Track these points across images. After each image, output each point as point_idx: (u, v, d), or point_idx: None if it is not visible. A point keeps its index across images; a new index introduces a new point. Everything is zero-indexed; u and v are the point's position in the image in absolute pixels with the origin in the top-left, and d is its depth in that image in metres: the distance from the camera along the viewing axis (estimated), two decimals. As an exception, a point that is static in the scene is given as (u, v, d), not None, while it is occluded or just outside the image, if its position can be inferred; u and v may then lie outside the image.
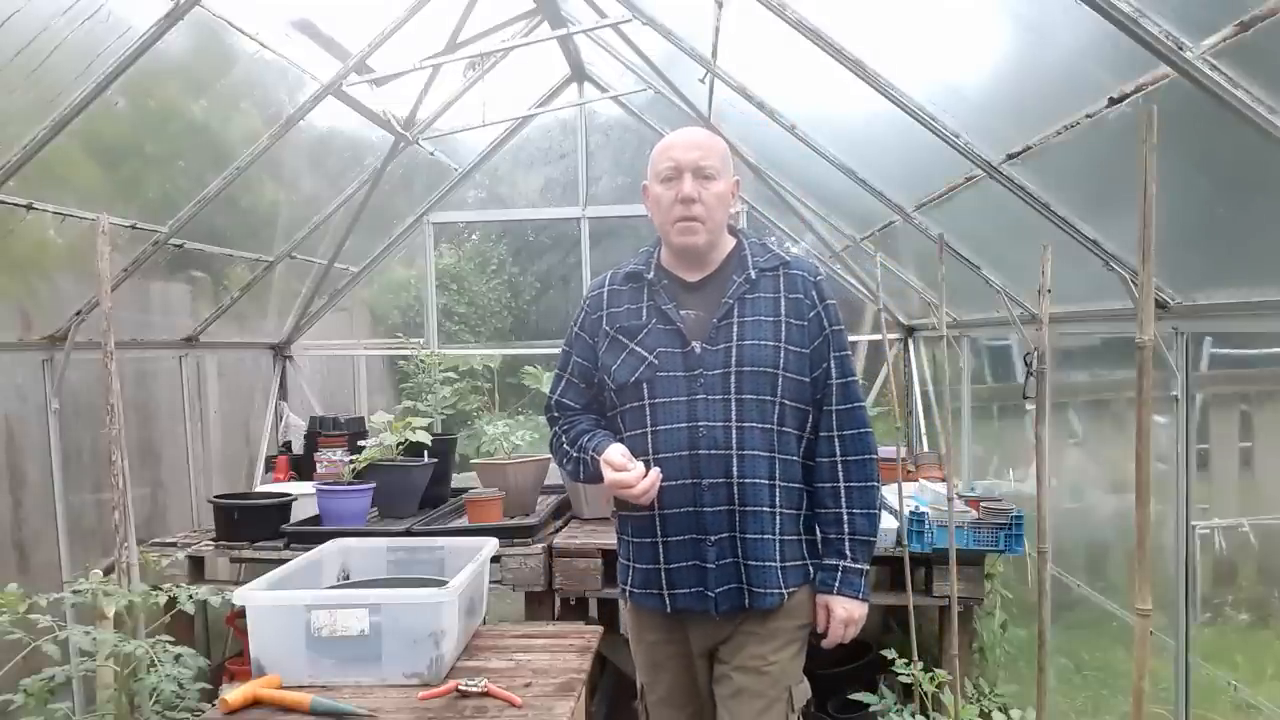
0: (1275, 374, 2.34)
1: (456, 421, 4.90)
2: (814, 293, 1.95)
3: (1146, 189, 1.38)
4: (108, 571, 2.62)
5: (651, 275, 1.98)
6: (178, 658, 2.28)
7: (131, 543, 2.59)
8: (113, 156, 3.01)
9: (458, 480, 3.93)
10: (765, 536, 1.88)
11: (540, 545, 3.17)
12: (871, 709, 2.95)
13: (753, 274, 1.93)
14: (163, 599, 2.44)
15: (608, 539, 3.18)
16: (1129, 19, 1.57)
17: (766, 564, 1.88)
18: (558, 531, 3.40)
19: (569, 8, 4.07)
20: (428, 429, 3.43)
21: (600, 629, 2.36)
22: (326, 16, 3.22)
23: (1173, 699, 2.37)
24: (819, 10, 2.49)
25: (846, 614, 1.94)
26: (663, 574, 1.92)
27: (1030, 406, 2.75)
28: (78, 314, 3.13)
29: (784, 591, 1.90)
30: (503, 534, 2.95)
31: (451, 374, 4.82)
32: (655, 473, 1.83)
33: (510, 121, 4.93)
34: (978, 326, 3.91)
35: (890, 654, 2.87)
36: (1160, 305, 2.29)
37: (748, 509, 1.87)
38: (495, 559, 2.70)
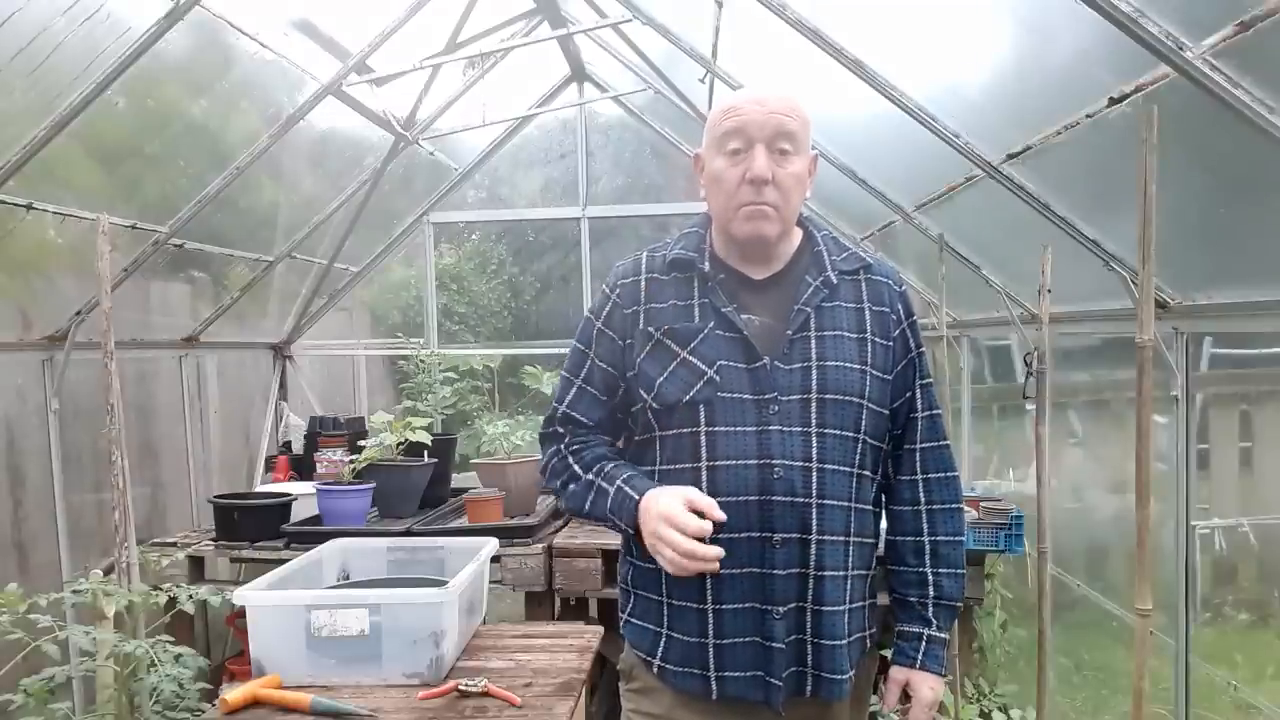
0: (1275, 374, 2.34)
1: (456, 421, 4.90)
2: (899, 306, 1.60)
3: (1146, 189, 1.38)
4: (108, 571, 2.63)
5: (707, 266, 1.57)
6: (178, 658, 2.28)
7: (131, 543, 2.58)
8: (113, 156, 3.01)
9: (458, 480, 3.92)
10: (838, 608, 1.52)
11: (540, 545, 3.17)
12: (871, 709, 2.94)
13: (832, 277, 1.56)
14: (163, 599, 2.44)
15: (608, 539, 3.17)
16: (1129, 19, 1.57)
17: (837, 643, 1.52)
18: (558, 531, 3.39)
19: (569, 8, 4.08)
20: (428, 429, 3.42)
21: (600, 629, 2.35)
22: (326, 16, 3.23)
23: (1173, 699, 2.37)
24: (819, 10, 2.49)
25: (934, 695, 1.61)
26: (710, 651, 1.51)
27: (1030, 406, 2.75)
28: (78, 314, 3.13)
29: (852, 676, 1.57)
30: (503, 534, 2.94)
31: (451, 374, 4.82)
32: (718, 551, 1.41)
33: (510, 121, 4.93)
34: (978, 326, 3.91)
35: (890, 654, 2.87)
36: (1160, 305, 2.29)
37: (824, 574, 1.49)
38: (495, 559, 2.70)
